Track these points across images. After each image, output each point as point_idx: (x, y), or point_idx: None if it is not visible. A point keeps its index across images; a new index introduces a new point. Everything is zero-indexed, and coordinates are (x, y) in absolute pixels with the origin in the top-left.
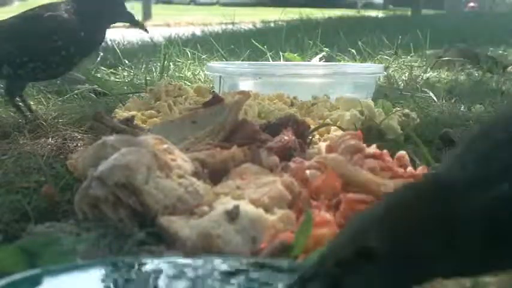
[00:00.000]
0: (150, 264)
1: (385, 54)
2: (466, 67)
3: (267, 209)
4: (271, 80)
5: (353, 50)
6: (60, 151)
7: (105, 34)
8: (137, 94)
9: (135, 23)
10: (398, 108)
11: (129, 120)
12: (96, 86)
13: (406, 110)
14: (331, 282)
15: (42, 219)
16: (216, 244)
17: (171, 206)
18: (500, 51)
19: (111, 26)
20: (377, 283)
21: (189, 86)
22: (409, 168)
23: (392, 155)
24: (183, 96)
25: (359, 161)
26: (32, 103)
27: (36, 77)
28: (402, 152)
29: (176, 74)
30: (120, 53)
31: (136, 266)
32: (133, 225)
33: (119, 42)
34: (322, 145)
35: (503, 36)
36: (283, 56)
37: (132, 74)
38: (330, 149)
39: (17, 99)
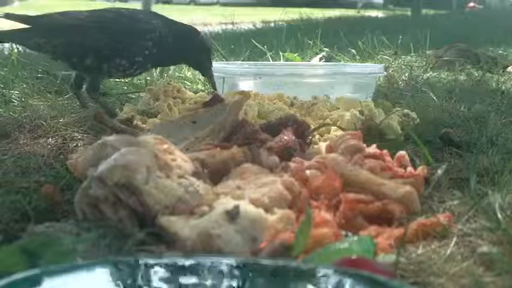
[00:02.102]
0: (150, 264)
1: (385, 54)
2: (466, 67)
3: (267, 209)
4: (271, 80)
5: (353, 50)
6: (60, 151)
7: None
8: (137, 94)
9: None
10: (398, 108)
11: (129, 120)
12: None
13: (406, 110)
14: None
15: (42, 219)
16: (216, 244)
17: (171, 206)
18: (500, 51)
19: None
20: None
21: (189, 86)
22: (409, 168)
23: (392, 155)
24: (181, 101)
25: (359, 161)
26: (32, 102)
27: (114, 75)
28: (402, 152)
29: (176, 74)
30: None
31: (136, 266)
32: (133, 225)
33: None
34: (322, 145)
35: (503, 36)
36: (283, 56)
37: None
38: (330, 149)
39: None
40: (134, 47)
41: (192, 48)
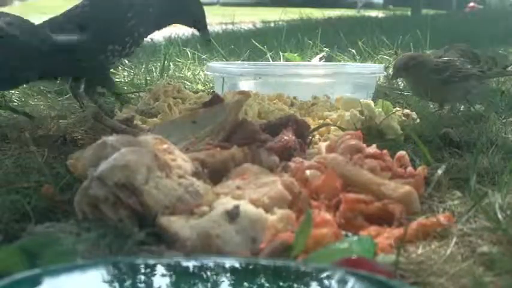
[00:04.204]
0: (150, 264)
1: (385, 54)
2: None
3: (267, 209)
4: (271, 80)
5: (353, 50)
6: (60, 151)
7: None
8: (137, 94)
9: (199, 30)
10: (398, 108)
11: (129, 120)
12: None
13: (406, 110)
14: None
15: (42, 219)
16: (216, 244)
17: (171, 206)
18: (500, 51)
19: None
20: None
21: (189, 86)
22: (409, 168)
23: (392, 155)
24: (181, 100)
25: (359, 161)
26: (32, 102)
27: (113, 62)
28: (402, 152)
29: (176, 74)
30: None
31: (136, 266)
32: (133, 225)
33: None
34: (322, 145)
35: (503, 36)
36: (283, 56)
37: (132, 74)
38: (330, 149)
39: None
40: (119, 29)
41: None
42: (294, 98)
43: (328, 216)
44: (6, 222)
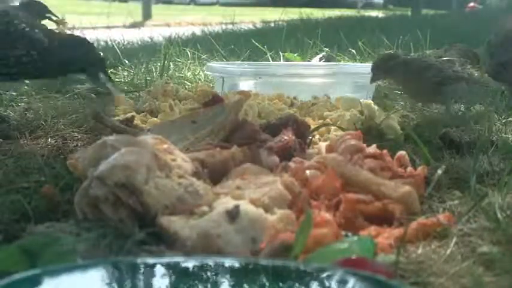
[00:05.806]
0: (150, 264)
1: None
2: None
3: (267, 209)
4: (271, 80)
5: (353, 50)
6: (60, 151)
7: None
8: (137, 94)
9: None
10: (399, 108)
11: (129, 120)
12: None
13: (404, 112)
14: None
15: (42, 219)
16: (216, 244)
17: (171, 206)
18: None
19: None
20: None
21: (189, 86)
22: (409, 168)
23: (392, 155)
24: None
25: (359, 161)
26: (32, 102)
27: None
28: (402, 152)
29: (176, 74)
30: (120, 53)
31: (136, 266)
32: (133, 225)
33: (119, 42)
34: (322, 145)
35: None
36: (283, 56)
37: (132, 74)
38: (330, 149)
39: None
40: None
41: None
42: (294, 98)
43: (328, 216)
44: (6, 222)
